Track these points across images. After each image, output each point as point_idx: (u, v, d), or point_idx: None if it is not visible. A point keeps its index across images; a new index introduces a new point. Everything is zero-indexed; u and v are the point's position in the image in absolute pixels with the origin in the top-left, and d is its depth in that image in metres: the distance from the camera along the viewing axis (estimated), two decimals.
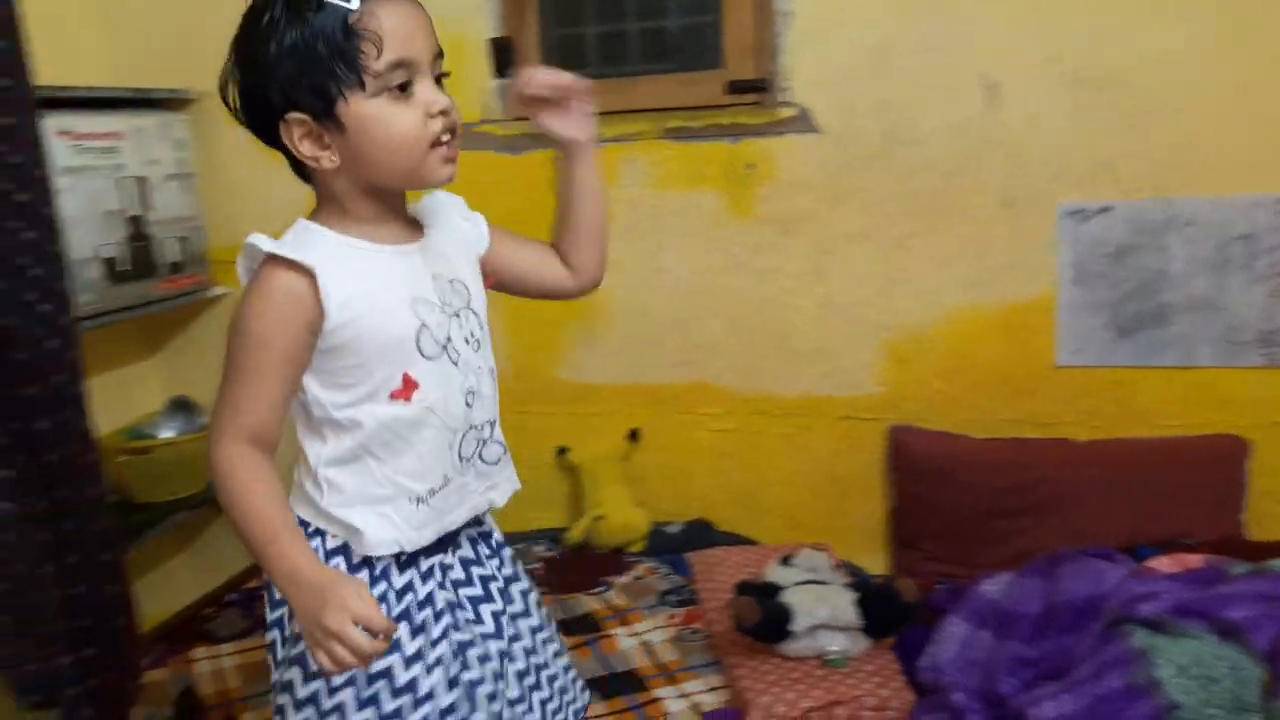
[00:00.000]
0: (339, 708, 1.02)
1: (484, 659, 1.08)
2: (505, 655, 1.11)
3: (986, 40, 1.87)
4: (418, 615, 1.04)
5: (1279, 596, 1.36)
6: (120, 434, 2.11)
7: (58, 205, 1.54)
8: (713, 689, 1.64)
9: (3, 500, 1.51)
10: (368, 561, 1.02)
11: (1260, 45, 1.77)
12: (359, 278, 0.96)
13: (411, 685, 1.02)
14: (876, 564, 2.08)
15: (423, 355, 1.00)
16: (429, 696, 1.02)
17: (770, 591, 1.66)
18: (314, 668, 1.01)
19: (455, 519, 1.08)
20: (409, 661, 1.02)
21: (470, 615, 1.10)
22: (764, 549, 2.01)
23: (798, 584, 1.68)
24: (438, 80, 0.98)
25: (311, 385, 0.98)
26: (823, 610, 1.61)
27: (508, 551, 1.19)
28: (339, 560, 1.02)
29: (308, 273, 0.93)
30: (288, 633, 1.05)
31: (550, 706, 1.16)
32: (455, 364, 1.03)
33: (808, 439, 2.12)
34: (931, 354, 2.02)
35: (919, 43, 1.90)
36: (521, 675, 1.13)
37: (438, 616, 1.05)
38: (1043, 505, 1.88)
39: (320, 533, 1.02)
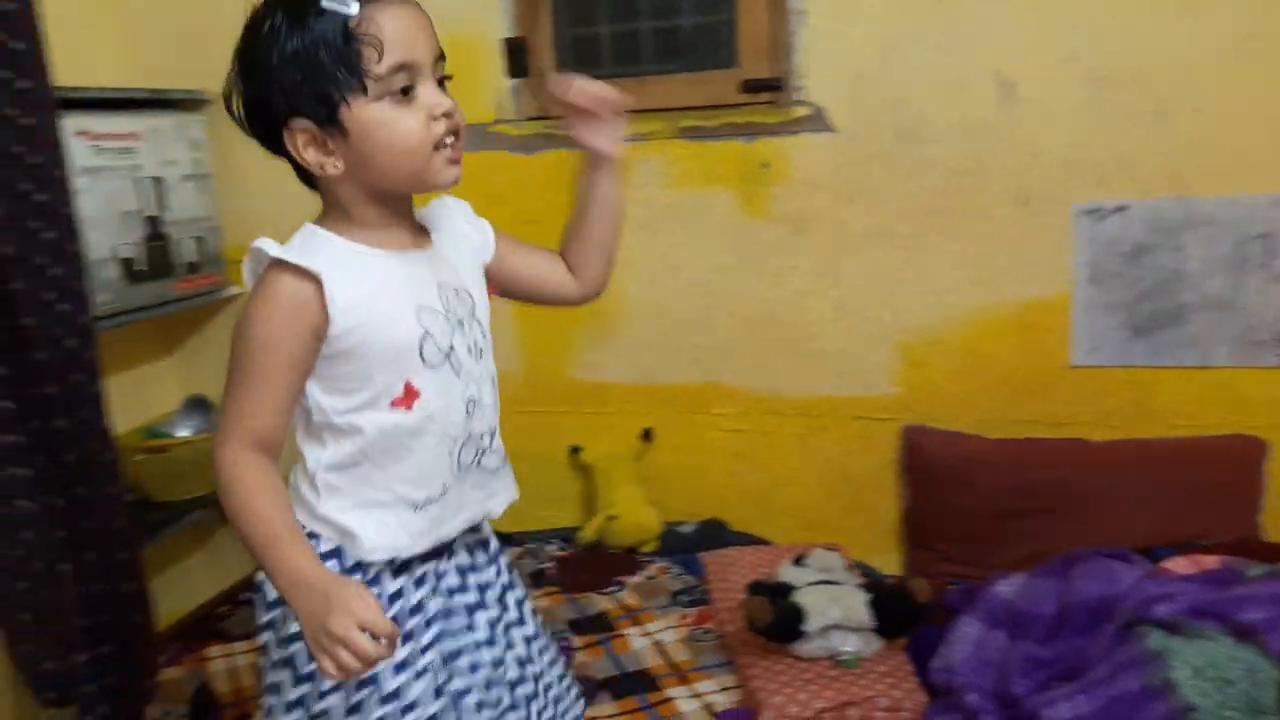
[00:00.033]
0: (326, 713, 1.02)
1: (474, 668, 1.08)
2: (499, 663, 1.11)
3: (1002, 38, 1.86)
4: (408, 622, 1.03)
5: None
6: (137, 433, 2.13)
7: (76, 205, 1.55)
8: (725, 689, 1.64)
9: (21, 499, 1.53)
10: (360, 566, 1.02)
11: (1278, 43, 1.75)
12: (364, 284, 0.96)
13: (398, 693, 1.01)
14: (890, 564, 2.07)
15: (425, 364, 1.00)
16: (414, 705, 1.02)
17: (783, 592, 1.66)
18: (304, 671, 1.02)
19: (452, 527, 1.07)
20: (397, 669, 1.02)
21: (464, 622, 1.09)
22: (777, 549, 2.01)
23: (810, 584, 1.68)
24: (440, 83, 0.98)
25: (313, 389, 0.99)
26: (835, 611, 1.61)
27: (504, 559, 1.19)
28: (332, 564, 1.02)
29: (313, 278, 0.93)
30: (280, 635, 1.05)
31: (546, 715, 1.16)
32: (457, 373, 1.03)
33: (821, 439, 2.12)
34: (946, 354, 2.01)
35: (934, 41, 1.89)
36: (515, 684, 1.12)
37: (428, 624, 1.05)
38: (1057, 506, 1.87)
39: (314, 536, 1.02)
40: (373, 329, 0.96)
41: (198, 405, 2.27)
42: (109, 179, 1.92)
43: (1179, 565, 1.55)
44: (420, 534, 1.04)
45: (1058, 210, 1.90)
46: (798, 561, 1.80)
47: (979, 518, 1.92)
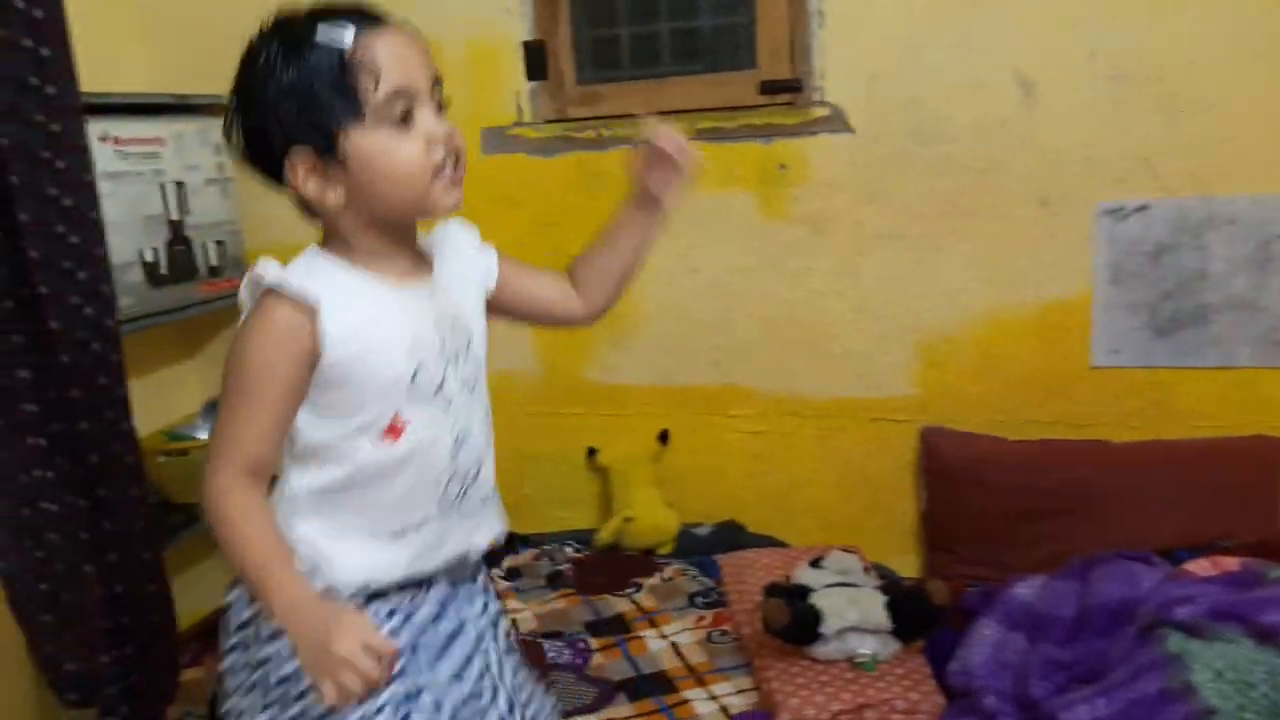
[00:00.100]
0: None
1: (438, 705, 1.03)
2: (474, 697, 1.07)
3: (1021, 37, 1.86)
4: None
5: None
6: (158, 435, 2.15)
7: (101, 210, 1.57)
8: (741, 691, 1.63)
9: (45, 501, 1.55)
10: (332, 592, 1.00)
11: None
12: (360, 315, 0.96)
13: None
14: (907, 566, 2.07)
15: (416, 397, 0.99)
16: None
17: (800, 594, 1.65)
18: (271, 698, 1.00)
19: (432, 560, 1.06)
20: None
21: (434, 655, 1.05)
22: (794, 551, 2.01)
23: (828, 586, 1.67)
24: (439, 107, 0.98)
25: (301, 414, 0.98)
26: (853, 613, 1.60)
27: (490, 589, 1.17)
28: None
29: (308, 306, 0.93)
30: (248, 657, 1.04)
31: None
32: (447, 408, 1.02)
33: (839, 441, 2.11)
34: (964, 355, 2.01)
35: (953, 41, 1.89)
36: (485, 712, 1.09)
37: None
38: (1077, 507, 1.86)
39: None
40: (365, 360, 0.96)
41: (219, 408, 2.29)
42: (133, 183, 1.95)
43: (1200, 567, 1.54)
44: (396, 564, 1.02)
45: (1078, 210, 1.89)
46: (815, 563, 1.80)
47: (997, 519, 1.91)
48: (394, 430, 0.99)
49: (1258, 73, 1.76)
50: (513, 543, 2.18)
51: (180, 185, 2.05)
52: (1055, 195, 1.90)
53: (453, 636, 1.08)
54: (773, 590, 1.67)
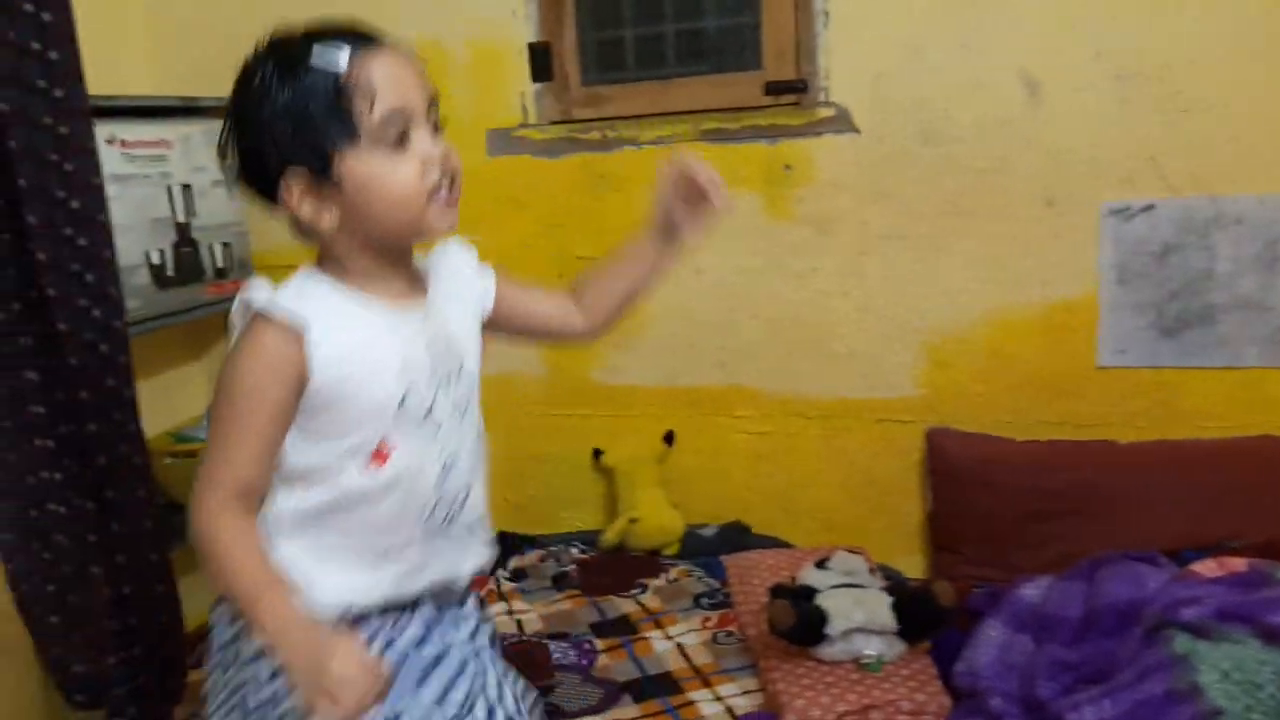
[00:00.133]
0: None
1: None
2: None
3: (1027, 37, 1.85)
4: None
5: None
6: (165, 437, 2.16)
7: (109, 212, 1.58)
8: (747, 692, 1.63)
9: (53, 503, 1.56)
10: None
11: None
12: (350, 337, 0.96)
13: None
14: (913, 567, 2.06)
15: (403, 422, 0.99)
16: None
17: (806, 594, 1.65)
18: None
19: (414, 584, 1.05)
20: None
21: (416, 678, 1.04)
22: (799, 552, 2.00)
23: (833, 587, 1.67)
24: (435, 128, 0.97)
25: (288, 436, 0.98)
26: (858, 614, 1.60)
27: (478, 613, 1.16)
28: None
29: (298, 330, 0.93)
30: (230, 678, 1.04)
31: None
32: (435, 434, 1.01)
33: (844, 441, 2.11)
34: (970, 355, 2.00)
35: (958, 41, 1.88)
36: None
37: None
38: (1083, 508, 1.85)
39: None
40: (353, 383, 0.95)
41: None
42: (140, 186, 1.95)
43: (1207, 568, 1.53)
44: (377, 588, 1.02)
45: (1084, 210, 1.89)
46: (820, 564, 1.79)
47: (1003, 520, 1.90)
48: (380, 455, 0.98)
49: (1264, 72, 1.76)
50: (518, 544, 2.18)
51: (187, 188, 2.06)
52: (1061, 195, 1.89)
53: (437, 660, 1.06)
54: (778, 591, 1.67)
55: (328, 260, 1.00)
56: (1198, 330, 1.87)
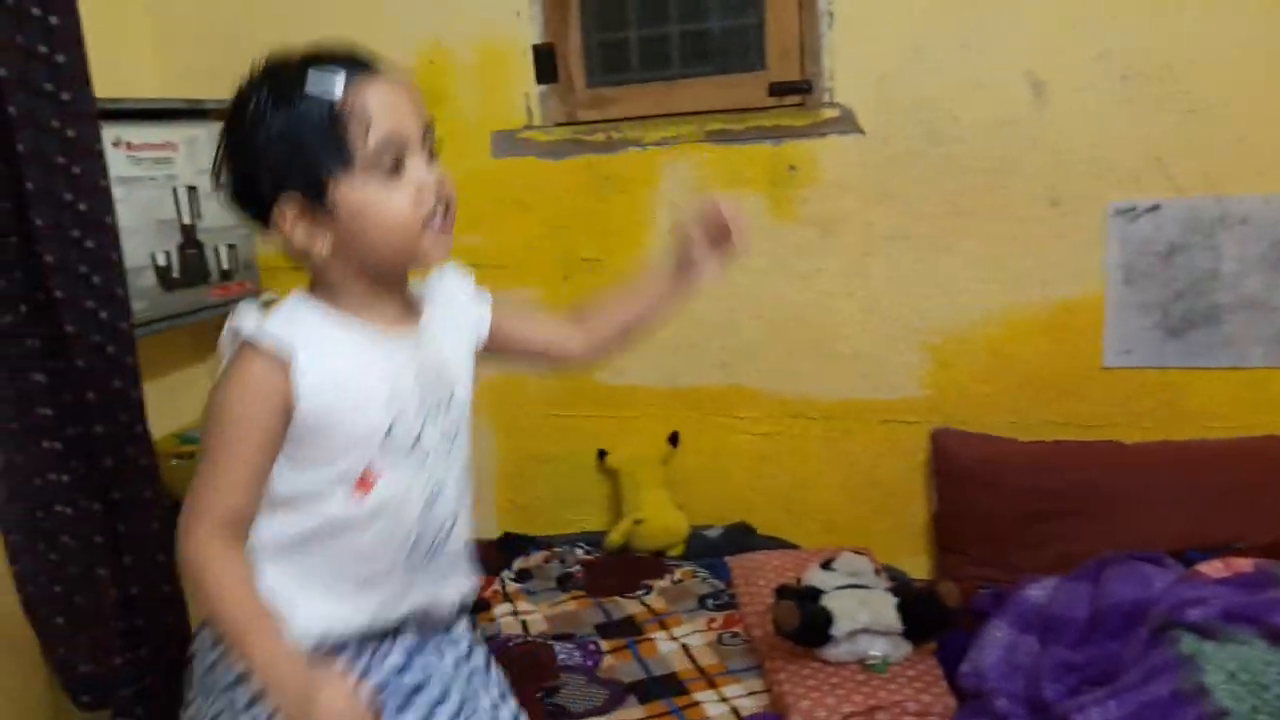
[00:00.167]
0: None
1: None
2: None
3: (1033, 37, 1.85)
4: None
5: None
6: (171, 438, 2.16)
7: (116, 214, 1.58)
8: (752, 693, 1.63)
9: (59, 504, 1.56)
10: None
11: None
12: (338, 365, 0.95)
13: None
14: (918, 568, 2.06)
15: (390, 451, 0.98)
16: None
17: (811, 595, 1.65)
18: None
19: (394, 612, 1.05)
20: None
21: (398, 706, 1.04)
22: (804, 553, 2.00)
23: (838, 588, 1.67)
24: (430, 154, 0.97)
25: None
26: (864, 615, 1.60)
27: (470, 635, 1.16)
28: None
29: (285, 359, 0.93)
30: (203, 708, 1.04)
31: None
32: (422, 463, 1.01)
33: (848, 442, 2.11)
34: (975, 356, 2.00)
35: (963, 41, 1.88)
36: None
37: None
38: (1089, 509, 1.85)
39: None
40: (340, 411, 0.95)
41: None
42: (145, 188, 1.96)
43: (1212, 568, 1.53)
44: (356, 617, 1.02)
45: (1090, 210, 1.89)
46: (825, 565, 1.79)
47: (1009, 521, 1.90)
48: (365, 483, 0.98)
49: (1270, 72, 1.76)
50: (523, 545, 2.18)
51: (192, 190, 2.07)
52: (1066, 195, 1.89)
53: (418, 689, 1.06)
54: (783, 592, 1.67)
55: (320, 285, 1.00)
56: (1203, 330, 1.87)
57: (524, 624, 1.88)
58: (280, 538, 0.99)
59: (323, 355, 0.94)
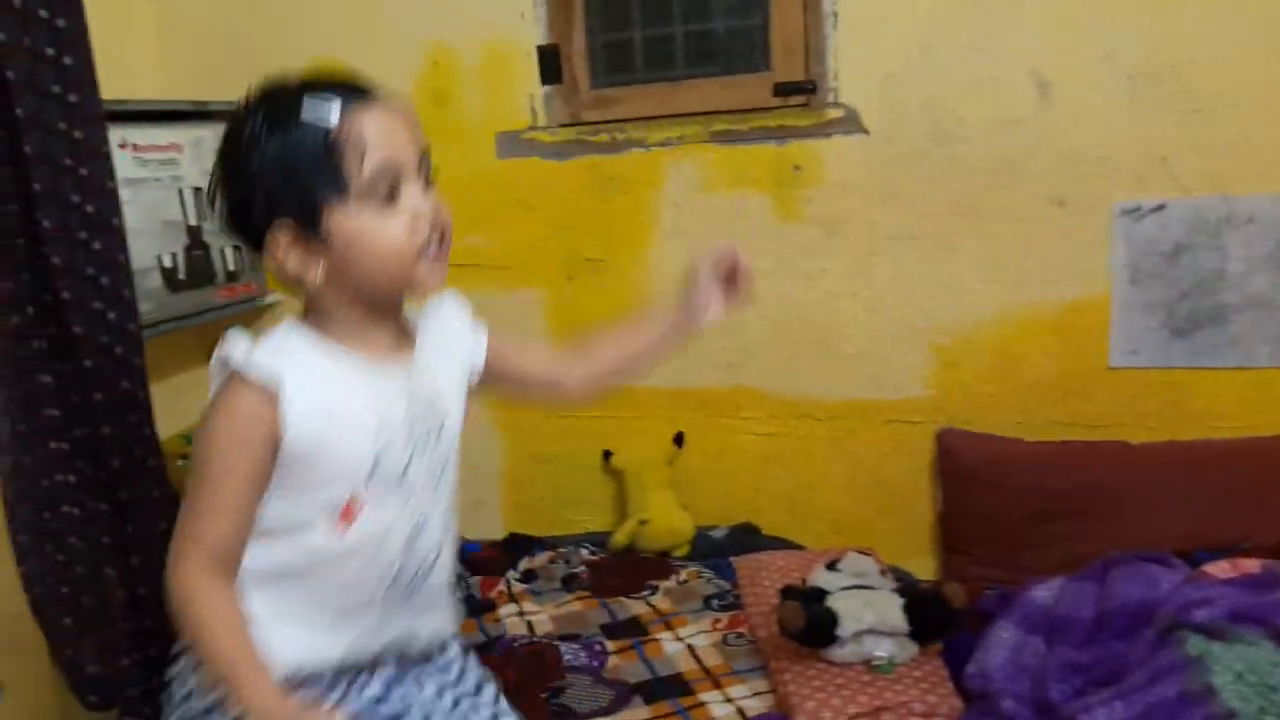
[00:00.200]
0: None
1: None
2: None
3: (1037, 37, 1.85)
4: None
5: None
6: (177, 439, 2.16)
7: (123, 216, 1.59)
8: (758, 694, 1.63)
9: (67, 505, 1.56)
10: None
11: None
12: (327, 395, 0.94)
13: None
14: (924, 569, 2.06)
15: (375, 483, 0.98)
16: None
17: (816, 596, 1.65)
18: None
19: (370, 646, 1.04)
20: None
21: None
22: (809, 553, 2.00)
23: (844, 589, 1.67)
24: (426, 182, 0.96)
25: None
26: (869, 615, 1.60)
27: (462, 659, 1.15)
28: None
29: (272, 390, 0.92)
30: None
31: None
32: (407, 497, 1.01)
33: (853, 443, 2.11)
34: (980, 356, 2.00)
35: (968, 41, 1.88)
36: None
37: None
38: (1095, 509, 1.85)
39: None
40: (327, 442, 0.94)
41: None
42: (151, 190, 1.97)
43: (1219, 569, 1.53)
44: (331, 650, 1.01)
45: (1095, 210, 1.88)
46: (831, 566, 1.79)
47: (1014, 521, 1.90)
48: (348, 513, 0.97)
49: (1275, 71, 1.75)
50: (528, 545, 2.19)
51: (198, 191, 2.07)
52: (1072, 195, 1.89)
53: (400, 712, 1.06)
54: (788, 593, 1.67)
55: (313, 313, 0.99)
56: (1209, 330, 1.87)
57: (529, 624, 1.88)
58: (260, 566, 0.98)
59: (311, 384, 0.94)
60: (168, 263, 2.00)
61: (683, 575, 2.02)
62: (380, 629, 1.04)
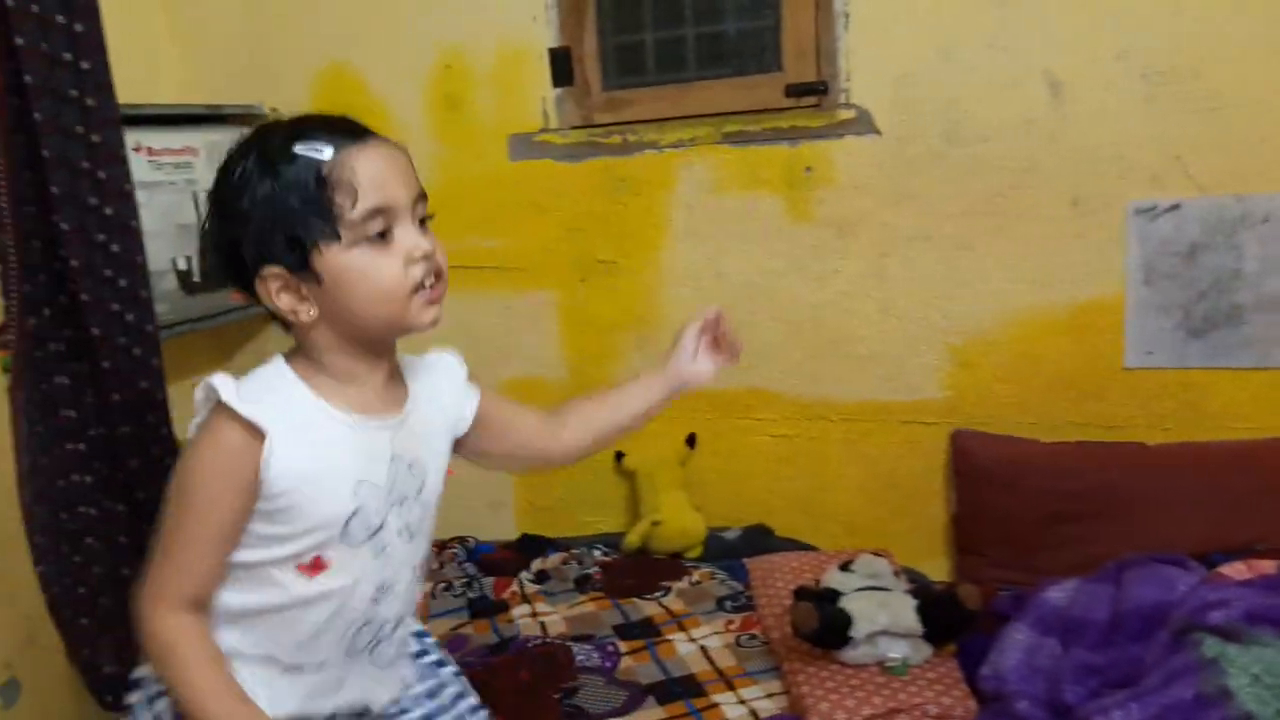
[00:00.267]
0: None
1: None
2: None
3: (1052, 37, 1.84)
4: None
5: None
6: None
7: (140, 218, 1.60)
8: (771, 695, 1.63)
9: (84, 506, 1.57)
10: None
11: None
12: (309, 446, 0.94)
13: None
14: (938, 570, 2.05)
15: (346, 539, 0.97)
16: None
17: (830, 597, 1.65)
18: None
19: (326, 703, 1.03)
20: None
21: None
22: (823, 555, 2.00)
23: (858, 590, 1.67)
24: (421, 222, 0.96)
25: None
26: (883, 616, 1.59)
27: (431, 681, 1.16)
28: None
29: (258, 433, 0.91)
30: None
31: None
32: (378, 554, 1.00)
33: (868, 444, 2.11)
34: (995, 357, 1.99)
35: (981, 41, 1.88)
36: None
37: None
38: (1110, 510, 1.84)
39: None
40: (304, 497, 0.94)
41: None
42: (167, 193, 1.98)
43: (1235, 570, 1.52)
44: (286, 700, 1.00)
45: (1110, 210, 1.87)
46: (844, 567, 1.79)
47: (1029, 522, 1.89)
48: (315, 566, 0.97)
49: None
50: (541, 546, 2.19)
51: None
52: (1086, 195, 1.88)
53: None
54: (802, 594, 1.67)
55: (301, 354, 0.98)
56: (1225, 330, 1.85)
57: (542, 625, 1.88)
58: (222, 609, 0.98)
59: (295, 435, 0.93)
60: (182, 265, 2.02)
61: (695, 576, 2.02)
62: (336, 688, 1.04)
